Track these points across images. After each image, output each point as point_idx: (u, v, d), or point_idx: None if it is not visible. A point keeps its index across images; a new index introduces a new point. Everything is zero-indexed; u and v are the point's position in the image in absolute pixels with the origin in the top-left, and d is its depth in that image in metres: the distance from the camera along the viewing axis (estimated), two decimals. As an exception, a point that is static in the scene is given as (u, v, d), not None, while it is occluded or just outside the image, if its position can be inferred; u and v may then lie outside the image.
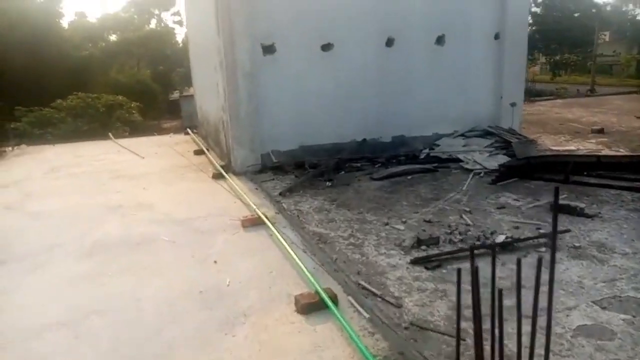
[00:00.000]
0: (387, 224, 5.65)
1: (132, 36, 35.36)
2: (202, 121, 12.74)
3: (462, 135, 9.54)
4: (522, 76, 10.73)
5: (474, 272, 2.65)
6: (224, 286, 4.38)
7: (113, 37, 37.89)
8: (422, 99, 9.39)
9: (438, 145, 9.27)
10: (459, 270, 2.79)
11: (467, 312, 3.70)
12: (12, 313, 4.10)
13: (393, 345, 3.41)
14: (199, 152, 10.79)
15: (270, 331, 3.64)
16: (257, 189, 7.68)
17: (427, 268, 4.45)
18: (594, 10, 48.57)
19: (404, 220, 5.74)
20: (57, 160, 10.64)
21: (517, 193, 6.63)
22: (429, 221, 5.67)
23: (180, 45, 39.76)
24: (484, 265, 4.49)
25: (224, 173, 8.40)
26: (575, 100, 19.60)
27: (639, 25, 55.37)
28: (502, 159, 8.17)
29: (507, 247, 4.84)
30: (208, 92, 10.75)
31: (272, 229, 5.63)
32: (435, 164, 8.25)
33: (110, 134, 14.30)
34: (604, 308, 3.74)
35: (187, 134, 13.80)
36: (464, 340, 3.25)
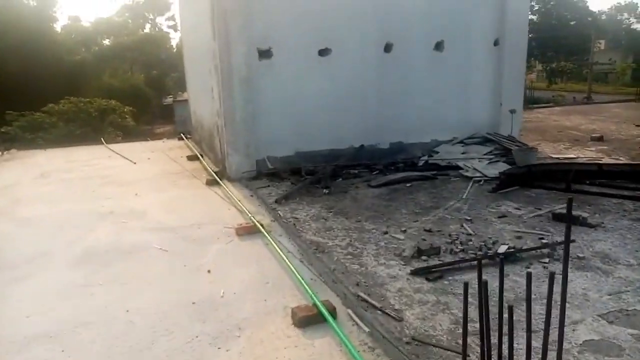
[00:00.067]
0: (386, 232, 5.50)
1: (126, 40, 35.14)
2: (196, 126, 12.58)
3: (461, 142, 9.43)
4: (522, 83, 10.66)
5: (484, 287, 2.51)
6: (217, 297, 4.21)
7: (107, 42, 37.69)
8: (420, 105, 9.28)
9: (437, 152, 9.15)
10: (465, 285, 2.65)
11: (470, 327, 3.57)
12: (-4, 325, 3.92)
13: (395, 361, 3.26)
14: (193, 158, 10.62)
15: (265, 345, 3.48)
16: (252, 195, 7.52)
17: (428, 279, 4.31)
18: (589, 19, 48.96)
19: (403, 229, 5.60)
20: (48, 166, 10.44)
21: (518, 202, 6.51)
22: (429, 230, 5.54)
23: (175, 49, 39.61)
24: (485, 277, 4.40)
25: (218, 179, 8.24)
26: (573, 107, 19.61)
27: (634, 34, 55.96)
28: (502, 166, 8.06)
29: (510, 257, 4.71)
30: (202, 97, 10.60)
31: (268, 237, 5.48)
32: (434, 172, 8.13)
33: (102, 138, 14.10)
34: (610, 322, 3.62)
35: (181, 139, 13.63)
36: (469, 356, 3.10)
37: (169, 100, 34.28)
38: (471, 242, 5.13)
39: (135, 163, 10.42)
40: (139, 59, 35.67)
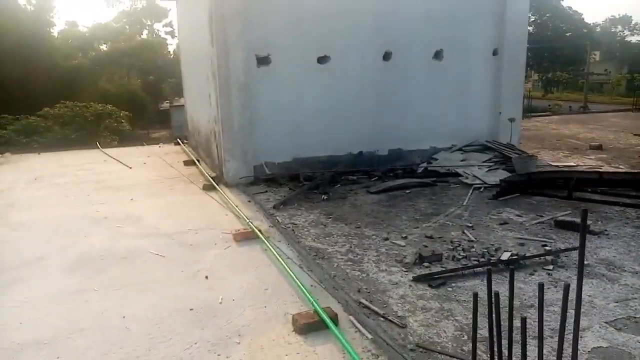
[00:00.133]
0: (386, 239, 5.42)
1: (123, 46, 35.11)
2: (193, 132, 12.49)
3: (460, 149, 9.38)
4: (521, 92, 10.64)
5: (496, 298, 2.42)
6: (216, 304, 4.11)
7: (104, 47, 37.62)
8: (419, 112, 9.24)
9: (436, 159, 9.09)
10: (475, 296, 2.57)
11: (477, 334, 3.49)
12: (-13, 331, 3.80)
13: (399, 369, 3.17)
14: (190, 163, 10.51)
15: (266, 352, 3.38)
16: (249, 201, 7.43)
17: (430, 286, 4.23)
18: (585, 31, 49.33)
19: (404, 235, 5.52)
20: (42, 170, 10.30)
21: (519, 209, 6.45)
22: (431, 237, 5.46)
23: (172, 55, 39.61)
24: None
25: (215, 185, 8.14)
26: (571, 116, 19.65)
27: (628, 46, 56.53)
28: (502, 174, 8.00)
29: (513, 264, 4.63)
30: (200, 103, 10.52)
31: (266, 243, 5.38)
32: (434, 178, 8.06)
33: (97, 143, 13.98)
34: (619, 329, 3.55)
35: (177, 144, 13.52)
36: (478, 365, 3.01)
37: (165, 105, 34.24)
38: (473, 249, 5.06)
39: (131, 168, 10.30)
40: (135, 65, 35.63)
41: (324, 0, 8.39)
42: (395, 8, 8.81)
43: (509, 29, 9.66)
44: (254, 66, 8.15)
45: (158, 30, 46.43)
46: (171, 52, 41.41)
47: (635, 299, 3.95)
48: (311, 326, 3.58)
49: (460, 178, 8.07)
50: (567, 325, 3.57)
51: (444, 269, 4.56)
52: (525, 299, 3.97)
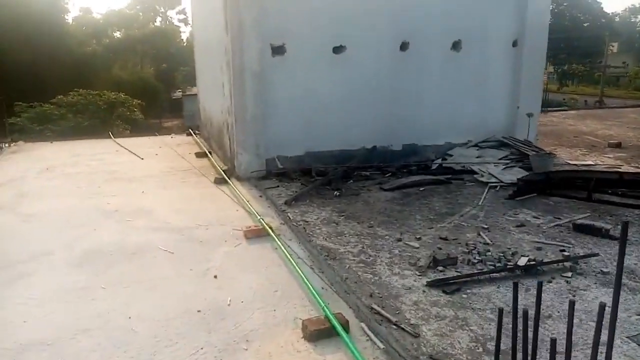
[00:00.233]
0: (400, 240, 5.29)
1: (136, 33, 35.11)
2: (205, 122, 12.41)
3: (476, 145, 9.17)
4: (540, 85, 10.36)
5: (523, 315, 2.28)
6: (224, 305, 4.02)
7: (117, 34, 37.64)
8: (435, 106, 9.03)
9: (451, 156, 8.91)
10: (500, 312, 2.44)
11: (491, 346, 3.36)
12: (-9, 329, 3.75)
13: (412, 383, 3.06)
14: (201, 155, 10.44)
15: (274, 360, 3.29)
16: (261, 196, 7.33)
17: (445, 292, 4.10)
18: (603, 20, 48.28)
19: (418, 236, 5.39)
20: (54, 159, 10.28)
21: (536, 210, 6.27)
22: (445, 238, 5.32)
23: (185, 43, 39.54)
24: (504, 291, 4.18)
25: (227, 178, 8.05)
26: (588, 112, 19.23)
27: (648, 37, 55.23)
28: (518, 172, 7.81)
29: (531, 270, 4.49)
30: (213, 93, 10.41)
31: (277, 241, 5.28)
32: (448, 176, 7.89)
33: (110, 132, 13.96)
34: (642, 345, 3.40)
35: (190, 134, 13.47)
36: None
37: (178, 94, 34.23)
38: (489, 253, 4.91)
39: (142, 159, 10.26)
40: (149, 52, 35.63)
41: (340, -10, 8.21)
42: (414, -3, 8.60)
43: (530, 18, 9.38)
44: (269, 55, 8.01)
45: (171, 17, 46.41)
46: (184, 40, 41.37)
47: (659, 311, 3.80)
48: (321, 333, 3.48)
49: (475, 176, 7.89)
50: (586, 339, 3.46)
51: (458, 273, 4.43)
52: (542, 309, 3.81)
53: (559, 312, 3.80)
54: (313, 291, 4.05)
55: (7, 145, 12.02)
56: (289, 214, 6.23)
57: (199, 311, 3.92)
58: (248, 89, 7.92)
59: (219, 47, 8.75)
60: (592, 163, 8.99)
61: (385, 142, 8.84)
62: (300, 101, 8.27)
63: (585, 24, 48.15)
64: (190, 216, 6.37)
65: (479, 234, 5.44)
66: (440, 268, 4.55)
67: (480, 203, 6.63)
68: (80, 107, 18.58)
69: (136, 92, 24.26)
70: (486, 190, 7.16)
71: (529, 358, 2.45)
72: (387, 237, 5.39)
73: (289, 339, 3.52)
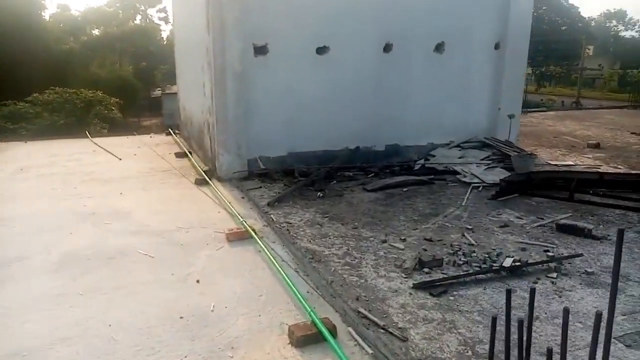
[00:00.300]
0: (385, 241, 5.25)
1: (115, 31, 34.44)
2: (185, 122, 12.21)
3: (458, 146, 9.20)
4: (521, 88, 10.46)
5: (519, 324, 2.24)
6: (207, 311, 3.92)
7: (96, 32, 36.92)
8: (418, 107, 9.03)
9: (433, 156, 8.91)
10: (493, 320, 2.38)
11: (480, 349, 3.34)
12: (-37, 339, 3.58)
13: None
14: (181, 155, 10.25)
15: (260, 368, 3.20)
16: (243, 197, 7.22)
17: (432, 294, 4.07)
18: (580, 25, 49.20)
19: (402, 237, 5.35)
20: (28, 159, 9.98)
21: (518, 210, 6.30)
22: (430, 239, 5.30)
23: (165, 42, 39.00)
24: (491, 293, 4.17)
25: (208, 179, 7.91)
26: (566, 112, 19.49)
27: (621, 41, 56.62)
28: (500, 172, 7.85)
29: (516, 271, 4.49)
30: (193, 92, 10.24)
31: (260, 244, 5.18)
32: (431, 176, 7.89)
33: (87, 131, 13.64)
34: (628, 346, 3.42)
35: (169, 134, 13.23)
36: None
37: (157, 92, 33.71)
38: (474, 254, 4.90)
39: (120, 159, 10.02)
40: (128, 50, 35.01)
41: (324, -11, 8.14)
42: (398, -1, 8.58)
43: (513, 21, 9.44)
44: (251, 55, 7.89)
45: (151, 15, 45.73)
46: (164, 39, 40.80)
47: (643, 311, 3.82)
48: (308, 339, 3.40)
49: (458, 176, 7.90)
50: (573, 340, 3.45)
51: (445, 275, 4.41)
52: (529, 310, 3.81)
53: (545, 313, 3.79)
54: (298, 295, 3.97)
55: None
56: (272, 215, 6.14)
57: (181, 317, 3.80)
58: (229, 89, 7.80)
59: (200, 47, 8.60)
60: (572, 163, 9.08)
61: (368, 143, 8.80)
62: (283, 101, 8.17)
63: (563, 28, 48.99)
64: (171, 218, 6.23)
65: (464, 235, 5.43)
66: (426, 270, 4.52)
67: (463, 203, 6.63)
68: (56, 105, 18.07)
69: (114, 90, 23.73)
70: (469, 191, 7.17)
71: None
72: (371, 238, 5.35)
73: (275, 345, 3.44)
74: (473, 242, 5.23)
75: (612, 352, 3.27)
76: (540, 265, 4.63)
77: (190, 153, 10.27)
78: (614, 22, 65.25)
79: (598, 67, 45.01)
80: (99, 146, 11.40)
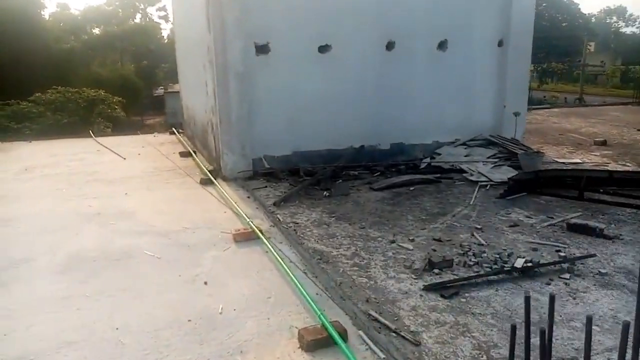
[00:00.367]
0: (393, 241, 5.18)
1: (115, 30, 34.44)
2: (189, 121, 12.15)
3: (464, 144, 9.12)
4: (526, 85, 10.38)
5: (540, 334, 2.17)
6: (216, 313, 3.86)
7: (96, 31, 36.90)
8: (422, 105, 8.95)
9: (439, 154, 8.84)
10: (513, 328, 2.32)
11: (495, 353, 3.27)
12: (-32, 343, 3.52)
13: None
14: (185, 154, 10.20)
15: (271, 373, 3.14)
16: (249, 197, 7.16)
17: (443, 296, 4.00)
18: (580, 21, 49.08)
19: (411, 237, 5.28)
20: (32, 159, 9.95)
21: (527, 209, 6.22)
22: (439, 240, 5.22)
23: (166, 40, 38.99)
24: (503, 294, 4.10)
25: (213, 179, 7.85)
26: (570, 109, 19.39)
27: (622, 37, 56.46)
28: (507, 170, 7.77)
29: (528, 272, 4.42)
30: (195, 91, 10.18)
31: (268, 245, 5.12)
32: (438, 175, 7.81)
33: (90, 131, 13.60)
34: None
35: (173, 133, 13.19)
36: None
37: (159, 91, 33.74)
38: (485, 254, 4.82)
39: (125, 159, 9.98)
40: (128, 49, 35.01)
41: (326, -13, 8.06)
42: (400, -4, 8.49)
43: (516, 18, 9.35)
44: (253, 54, 7.82)
45: (151, 14, 45.74)
46: (165, 37, 40.78)
47: (661, 313, 3.74)
48: (318, 343, 3.34)
49: (464, 175, 7.83)
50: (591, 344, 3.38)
51: (455, 276, 4.33)
52: (543, 312, 3.74)
53: (560, 316, 3.72)
54: (308, 298, 3.90)
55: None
56: (278, 215, 6.07)
57: (189, 320, 3.74)
58: (232, 88, 7.74)
59: (201, 46, 8.54)
60: (580, 161, 8.99)
61: (373, 142, 8.73)
62: (286, 100, 8.10)
63: (564, 24, 48.89)
64: (176, 218, 6.17)
65: (473, 235, 5.36)
66: (436, 271, 4.44)
67: (471, 202, 6.56)
68: (59, 104, 18.11)
69: (117, 89, 23.75)
70: (476, 190, 7.10)
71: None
72: (379, 238, 5.28)
73: (285, 349, 3.38)
74: (483, 242, 5.16)
75: (634, 357, 3.22)
76: (552, 266, 4.55)
77: (194, 152, 10.22)
78: (614, 19, 65.13)
79: (600, 64, 44.88)
80: (102, 145, 11.36)
